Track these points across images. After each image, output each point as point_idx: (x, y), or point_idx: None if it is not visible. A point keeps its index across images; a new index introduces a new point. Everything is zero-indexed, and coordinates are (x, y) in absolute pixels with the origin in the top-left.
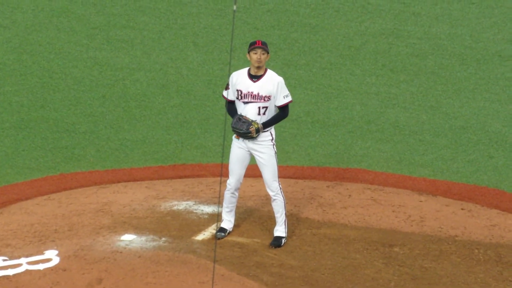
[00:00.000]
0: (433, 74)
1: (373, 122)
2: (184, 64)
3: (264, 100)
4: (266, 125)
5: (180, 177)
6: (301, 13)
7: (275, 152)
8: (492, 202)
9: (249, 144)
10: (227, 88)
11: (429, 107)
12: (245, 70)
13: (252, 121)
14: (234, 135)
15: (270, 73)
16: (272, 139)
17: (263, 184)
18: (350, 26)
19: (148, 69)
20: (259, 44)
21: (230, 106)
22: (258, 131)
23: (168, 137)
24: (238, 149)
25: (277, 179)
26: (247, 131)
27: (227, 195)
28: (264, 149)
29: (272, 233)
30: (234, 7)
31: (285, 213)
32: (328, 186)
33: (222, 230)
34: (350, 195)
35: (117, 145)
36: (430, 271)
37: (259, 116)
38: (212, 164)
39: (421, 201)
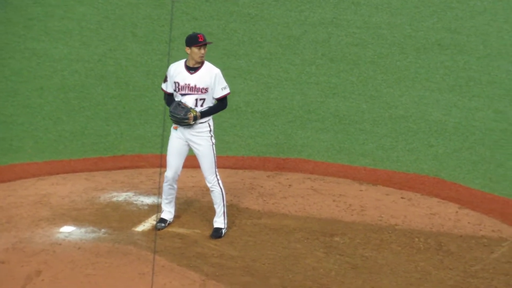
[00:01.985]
0: (373, 63)
1: (313, 112)
2: (123, 55)
3: (202, 92)
4: (204, 114)
5: (120, 168)
6: (240, 3)
7: (213, 144)
8: (432, 191)
9: (187, 135)
10: (165, 80)
11: (369, 96)
12: (182, 62)
13: (191, 108)
14: (173, 126)
15: (207, 65)
16: (210, 130)
17: (203, 175)
18: (289, 16)
19: (86, 60)
20: (202, 39)
21: (169, 98)
22: (195, 118)
23: (107, 128)
24: (176, 140)
25: (214, 171)
26: (184, 117)
27: (166, 187)
28: (201, 140)
29: (212, 224)
30: None
31: (224, 204)
32: (268, 176)
33: (162, 221)
34: (290, 185)
35: (56, 137)
36: (371, 260)
37: (197, 107)
38: (151, 155)
39: (361, 190)
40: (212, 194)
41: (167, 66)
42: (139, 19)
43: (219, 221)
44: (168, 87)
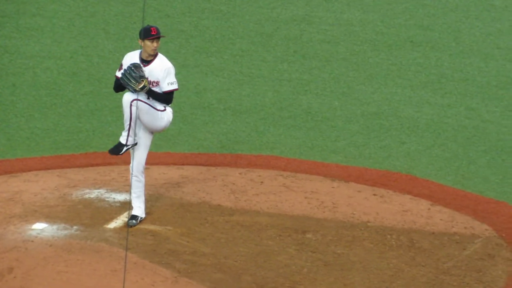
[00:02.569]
0: (345, 60)
1: (285, 109)
2: (95, 52)
3: (153, 85)
4: (151, 92)
5: (92, 165)
6: (212, 0)
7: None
8: (405, 188)
9: None
10: (120, 68)
11: (341, 93)
12: (138, 53)
13: (146, 78)
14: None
15: (160, 58)
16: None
17: (174, 172)
18: (261, 13)
19: (58, 57)
20: (155, 32)
21: (119, 85)
22: (143, 88)
23: (79, 125)
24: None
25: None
26: (137, 80)
27: (131, 180)
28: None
29: (185, 221)
30: None
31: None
32: (240, 173)
33: (133, 217)
34: (262, 182)
35: (28, 134)
36: (343, 257)
37: (148, 100)
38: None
39: (333, 187)
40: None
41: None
42: (111, 16)
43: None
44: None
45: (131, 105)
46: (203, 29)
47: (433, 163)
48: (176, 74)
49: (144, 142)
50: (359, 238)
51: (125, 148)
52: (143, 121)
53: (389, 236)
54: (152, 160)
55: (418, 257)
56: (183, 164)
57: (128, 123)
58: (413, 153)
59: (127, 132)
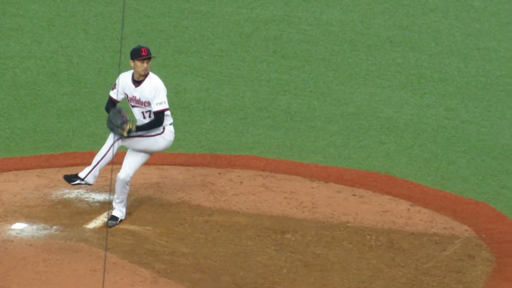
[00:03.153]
0: (324, 61)
1: (265, 109)
2: (75, 52)
3: (145, 105)
4: (139, 128)
5: (72, 165)
6: (191, 0)
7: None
8: (384, 188)
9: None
10: (113, 88)
11: (320, 93)
12: (130, 73)
13: (129, 120)
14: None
15: (151, 78)
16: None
17: (154, 172)
18: (241, 13)
19: (38, 57)
20: (145, 53)
21: (111, 105)
22: (129, 131)
23: (59, 125)
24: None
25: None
26: (120, 126)
27: (117, 185)
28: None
29: (164, 221)
30: None
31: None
32: (219, 173)
33: (113, 218)
34: (241, 182)
35: (8, 134)
36: (322, 258)
37: (144, 120)
38: None
39: (312, 188)
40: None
41: (119, 63)
42: (91, 16)
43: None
44: (117, 95)
45: (113, 143)
46: (183, 29)
47: (413, 164)
48: (157, 74)
49: (141, 156)
50: (339, 238)
51: (78, 181)
52: (139, 148)
53: (368, 237)
54: None
55: (397, 258)
56: (162, 164)
57: (98, 159)
58: (392, 153)
59: (90, 167)
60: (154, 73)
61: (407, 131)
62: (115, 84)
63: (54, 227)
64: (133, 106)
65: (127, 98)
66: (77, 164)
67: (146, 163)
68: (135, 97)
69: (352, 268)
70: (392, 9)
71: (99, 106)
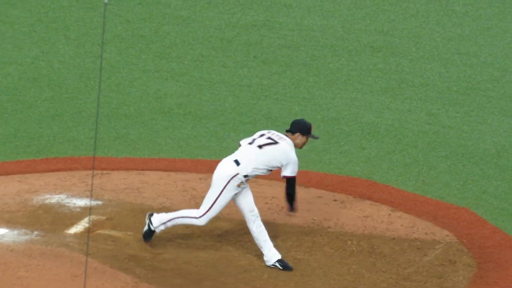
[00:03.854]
0: (305, 66)
1: (245, 114)
2: (56, 57)
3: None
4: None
5: (53, 171)
6: (172, 5)
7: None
8: (365, 193)
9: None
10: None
11: (301, 98)
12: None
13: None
14: (241, 183)
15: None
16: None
17: (135, 177)
18: (221, 18)
19: (19, 63)
20: (312, 129)
21: None
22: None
23: (40, 131)
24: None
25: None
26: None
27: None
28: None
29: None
30: (106, 0)
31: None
32: (200, 179)
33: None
34: None
35: None
36: (303, 263)
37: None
38: (84, 157)
39: None
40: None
41: (100, 69)
42: (72, 21)
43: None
44: None
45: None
46: (164, 34)
47: (394, 169)
48: (138, 79)
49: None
50: (320, 243)
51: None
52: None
53: (349, 242)
54: (112, 166)
55: (378, 263)
56: (143, 170)
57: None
58: (373, 158)
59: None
60: (137, 78)
61: (388, 136)
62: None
63: (35, 232)
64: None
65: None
66: (58, 170)
67: (126, 168)
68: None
69: (333, 273)
70: (373, 14)
71: (80, 112)
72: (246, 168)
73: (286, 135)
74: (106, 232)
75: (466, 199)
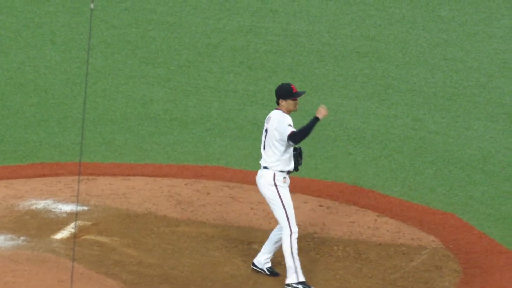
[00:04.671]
0: (291, 71)
1: (232, 120)
2: (42, 63)
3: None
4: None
5: (39, 176)
6: (158, 11)
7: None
8: (351, 199)
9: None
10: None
11: None
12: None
13: None
14: (283, 180)
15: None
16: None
17: (121, 183)
18: (207, 24)
19: (5, 68)
20: (295, 89)
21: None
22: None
23: (26, 136)
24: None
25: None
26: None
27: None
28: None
29: (131, 232)
30: (92, 5)
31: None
32: (186, 184)
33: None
34: (208, 193)
35: None
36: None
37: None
38: (70, 163)
39: None
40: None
41: (86, 74)
42: (58, 27)
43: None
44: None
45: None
46: (150, 40)
47: (380, 174)
48: (124, 85)
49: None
50: (306, 249)
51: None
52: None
53: (335, 247)
54: (98, 171)
55: (365, 269)
56: (129, 175)
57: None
58: (359, 164)
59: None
60: (123, 84)
61: (374, 141)
62: (290, 125)
63: (22, 237)
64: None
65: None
66: (44, 175)
67: (113, 174)
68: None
69: (319, 279)
70: (359, 20)
71: (67, 117)
72: (274, 166)
73: (276, 108)
74: (92, 237)
75: (452, 205)
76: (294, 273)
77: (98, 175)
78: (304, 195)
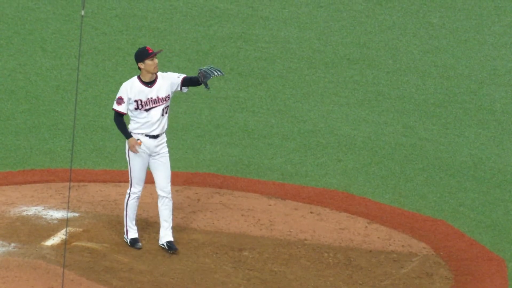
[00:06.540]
0: (282, 78)
1: (222, 126)
2: (33, 70)
3: (165, 100)
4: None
5: (29, 183)
6: (149, 17)
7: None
8: (341, 206)
9: (153, 148)
10: (121, 102)
11: (277, 110)
12: (136, 80)
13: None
14: (137, 142)
15: (159, 75)
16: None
17: (111, 189)
18: (198, 31)
19: None
20: (152, 50)
21: (121, 119)
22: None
23: (17, 143)
24: (143, 155)
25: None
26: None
27: (134, 203)
28: (164, 149)
29: (122, 238)
30: (82, 12)
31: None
32: (177, 191)
33: (136, 240)
34: (199, 200)
35: None
36: (280, 275)
37: (162, 117)
38: (61, 169)
39: (270, 205)
40: (164, 207)
41: (77, 81)
42: (49, 34)
43: (170, 234)
44: (124, 108)
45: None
46: (140, 46)
47: (370, 181)
48: (114, 92)
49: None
50: (296, 256)
51: None
52: (166, 169)
53: (326, 254)
54: (89, 178)
55: (355, 275)
56: (120, 182)
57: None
58: (350, 170)
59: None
60: (114, 91)
61: (365, 148)
62: (120, 98)
63: (12, 244)
64: (148, 109)
65: (139, 105)
66: (35, 182)
67: (103, 180)
68: (152, 98)
69: (310, 286)
70: (350, 27)
71: (57, 124)
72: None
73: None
74: (83, 244)
75: (443, 212)
76: (125, 228)
77: (89, 181)
78: (294, 202)
